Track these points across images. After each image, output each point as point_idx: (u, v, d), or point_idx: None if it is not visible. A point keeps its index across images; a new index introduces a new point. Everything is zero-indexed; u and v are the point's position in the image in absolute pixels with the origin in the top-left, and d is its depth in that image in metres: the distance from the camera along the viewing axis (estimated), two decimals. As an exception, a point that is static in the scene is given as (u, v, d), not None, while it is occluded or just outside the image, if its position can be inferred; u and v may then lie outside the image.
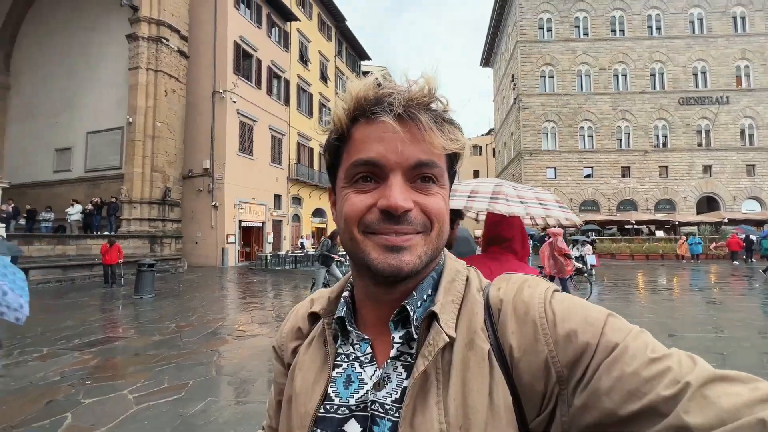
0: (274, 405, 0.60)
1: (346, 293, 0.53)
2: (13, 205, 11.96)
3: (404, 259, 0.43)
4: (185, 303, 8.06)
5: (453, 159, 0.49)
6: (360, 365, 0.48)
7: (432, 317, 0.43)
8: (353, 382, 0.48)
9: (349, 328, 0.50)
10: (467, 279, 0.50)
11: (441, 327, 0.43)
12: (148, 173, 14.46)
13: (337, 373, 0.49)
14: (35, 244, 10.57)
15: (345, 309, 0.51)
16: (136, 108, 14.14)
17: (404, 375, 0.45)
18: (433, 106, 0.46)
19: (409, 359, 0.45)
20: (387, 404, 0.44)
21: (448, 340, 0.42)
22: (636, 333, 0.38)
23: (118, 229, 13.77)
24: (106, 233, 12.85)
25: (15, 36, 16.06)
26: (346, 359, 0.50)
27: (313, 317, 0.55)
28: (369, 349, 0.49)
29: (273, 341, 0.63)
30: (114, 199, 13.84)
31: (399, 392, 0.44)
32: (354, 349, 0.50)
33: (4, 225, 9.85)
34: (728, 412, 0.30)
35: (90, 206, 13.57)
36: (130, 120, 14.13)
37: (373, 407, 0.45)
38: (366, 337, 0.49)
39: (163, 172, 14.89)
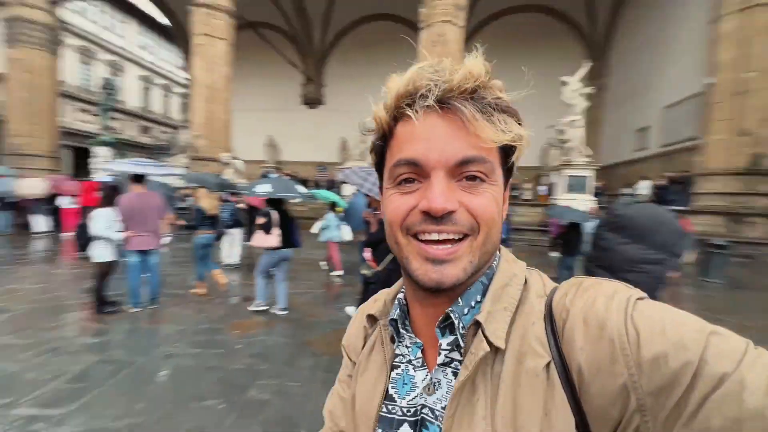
0: (341, 405, 0.58)
1: (401, 295, 0.52)
2: (603, 183, 14.97)
3: (446, 273, 0.40)
4: (756, 297, 6.32)
5: (508, 152, 0.44)
6: (413, 368, 0.48)
7: (477, 326, 0.41)
8: (406, 384, 0.48)
9: (401, 330, 0.50)
10: (526, 283, 0.45)
11: (485, 335, 0.40)
12: (731, 138, 12.25)
13: (397, 374, 0.49)
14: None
15: (398, 311, 0.50)
16: (718, 65, 12.27)
17: (454, 381, 0.43)
18: (483, 94, 0.40)
19: (459, 366, 0.43)
20: (437, 410, 0.43)
21: (488, 350, 0.39)
22: (753, 359, 0.31)
23: (691, 204, 13.03)
24: (678, 208, 12.64)
25: (610, 41, 19.30)
26: (402, 360, 0.50)
27: (372, 319, 0.55)
28: (419, 354, 0.48)
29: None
30: (686, 173, 13.20)
31: (448, 398, 0.42)
32: (408, 351, 0.49)
33: (596, 198, 12.63)
34: None
35: (662, 181, 13.89)
36: (710, 81, 12.55)
37: (423, 411, 0.44)
38: (418, 341, 0.49)
39: (751, 134, 11.96)
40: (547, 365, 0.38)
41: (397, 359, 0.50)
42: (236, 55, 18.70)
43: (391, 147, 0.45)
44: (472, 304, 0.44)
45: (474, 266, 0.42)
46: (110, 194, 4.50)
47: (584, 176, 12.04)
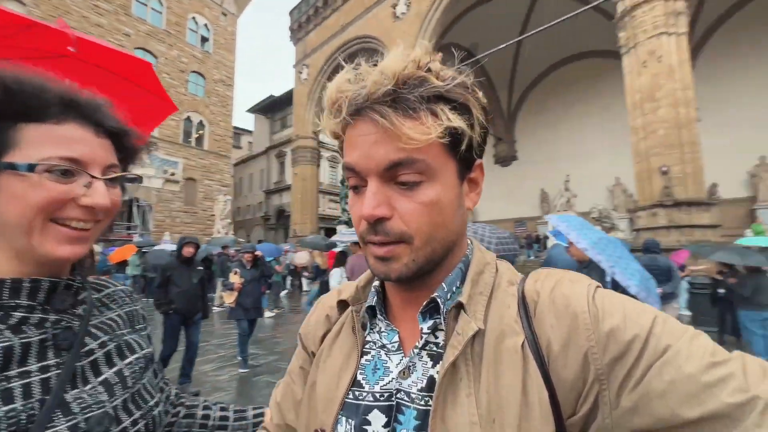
0: (290, 397, 0.58)
1: (376, 282, 0.53)
2: None
3: (391, 267, 0.43)
4: None
5: (455, 142, 0.42)
6: (386, 353, 0.49)
7: (459, 308, 0.43)
8: (378, 369, 0.48)
9: (379, 317, 0.51)
10: (497, 271, 0.49)
11: (469, 317, 0.42)
12: None
13: (366, 360, 0.49)
14: None
15: (375, 298, 0.51)
16: None
17: (429, 364, 0.45)
18: (403, 92, 0.39)
19: (435, 348, 0.45)
20: (413, 393, 0.44)
21: (477, 329, 0.41)
22: (692, 335, 0.36)
23: None
24: None
25: None
26: (373, 346, 0.50)
27: (342, 305, 0.55)
28: (396, 338, 0.49)
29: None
30: None
31: (425, 380, 0.44)
32: (380, 338, 0.50)
33: None
34: None
35: None
36: None
37: (398, 395, 0.45)
38: (392, 325, 0.50)
39: None
40: (523, 344, 0.40)
41: (366, 346, 0.51)
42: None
43: (344, 150, 0.46)
44: (453, 289, 0.47)
45: (418, 265, 0.43)
46: (341, 257, 5.80)
47: None
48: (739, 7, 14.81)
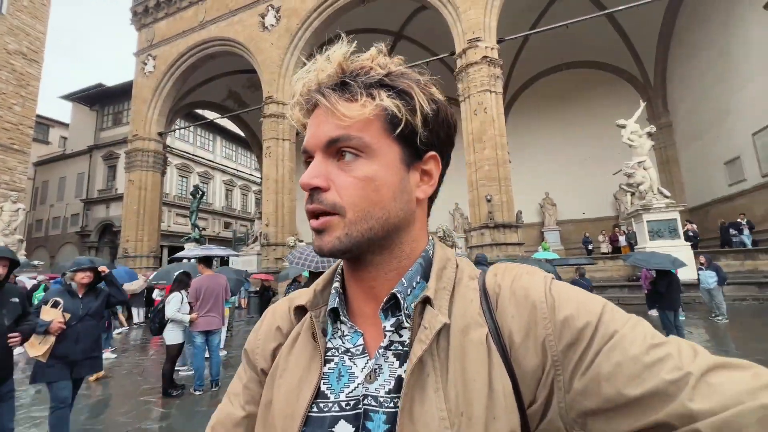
0: (229, 420, 0.52)
1: (336, 284, 0.51)
2: (693, 225, 13.01)
3: (324, 240, 0.43)
4: None
5: (391, 123, 0.44)
6: (350, 358, 0.46)
7: (425, 303, 0.43)
8: (343, 376, 0.46)
9: (342, 319, 0.48)
10: (457, 267, 0.49)
11: (436, 311, 0.42)
12: None
13: (329, 368, 0.47)
14: (722, 259, 10.63)
15: (337, 299, 0.49)
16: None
17: (396, 364, 0.44)
18: (348, 79, 0.44)
19: (400, 347, 0.44)
20: (381, 396, 0.42)
21: (444, 322, 0.41)
22: (635, 321, 0.39)
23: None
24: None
25: (664, 79, 18.47)
26: (336, 353, 0.48)
27: (299, 312, 0.52)
28: (361, 341, 0.47)
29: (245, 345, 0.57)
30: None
31: (392, 382, 0.42)
32: (343, 342, 0.48)
33: (689, 244, 10.88)
34: (731, 398, 0.31)
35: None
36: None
37: (365, 401, 0.43)
38: (356, 326, 0.48)
39: None
40: (486, 335, 0.41)
41: (329, 353, 0.48)
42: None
43: None
44: (414, 284, 0.46)
45: (351, 239, 0.43)
46: (183, 279, 4.96)
47: (670, 219, 10.60)
48: (534, 80, 20.01)
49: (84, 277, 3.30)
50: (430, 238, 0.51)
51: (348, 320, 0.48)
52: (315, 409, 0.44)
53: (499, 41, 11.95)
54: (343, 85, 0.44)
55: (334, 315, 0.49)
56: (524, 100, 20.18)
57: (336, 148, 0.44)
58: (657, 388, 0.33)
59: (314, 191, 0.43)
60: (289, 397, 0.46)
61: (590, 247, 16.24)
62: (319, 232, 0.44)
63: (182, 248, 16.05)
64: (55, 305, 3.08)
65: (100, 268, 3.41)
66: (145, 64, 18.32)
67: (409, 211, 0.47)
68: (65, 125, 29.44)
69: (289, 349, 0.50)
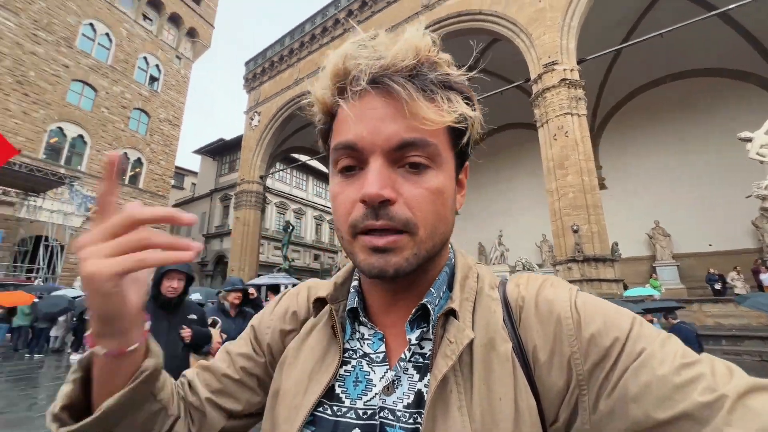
0: (212, 370, 0.51)
1: (355, 282, 0.48)
2: None
3: (390, 261, 0.38)
4: None
5: (459, 134, 0.41)
6: (368, 364, 0.43)
7: (449, 315, 0.40)
8: (360, 382, 0.43)
9: (363, 319, 0.46)
10: (478, 275, 0.46)
11: (462, 324, 0.40)
12: None
13: (346, 371, 0.44)
14: None
15: (356, 299, 0.46)
16: None
17: (416, 377, 0.41)
18: (424, 70, 0.38)
19: (421, 360, 0.41)
20: (398, 410, 0.39)
21: (472, 337, 0.39)
22: (664, 338, 0.36)
23: None
24: None
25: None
26: (354, 355, 0.45)
27: (319, 303, 0.48)
28: (383, 347, 0.44)
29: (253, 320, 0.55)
30: None
31: (411, 396, 0.40)
32: (362, 345, 0.45)
33: None
34: None
35: None
36: None
37: (382, 414, 0.40)
38: (380, 332, 0.44)
39: None
40: (511, 351, 0.39)
41: (347, 354, 0.45)
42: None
43: (334, 130, 0.42)
44: (441, 294, 0.43)
45: (419, 259, 0.39)
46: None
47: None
48: (631, 97, 17.99)
49: (236, 298, 3.35)
50: (450, 245, 0.48)
51: (369, 323, 0.45)
52: (329, 412, 0.41)
53: (579, 62, 11.22)
54: (417, 75, 0.38)
55: (353, 315, 0.46)
56: (621, 118, 18.13)
57: (404, 155, 0.38)
58: (689, 411, 0.31)
59: (382, 204, 0.37)
60: (297, 387, 0.43)
61: (717, 285, 13.14)
62: (383, 251, 0.38)
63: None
64: (214, 324, 3.01)
65: (250, 291, 3.45)
66: (252, 119, 21.68)
67: (453, 225, 0.43)
68: (195, 173, 36.01)
69: (302, 340, 0.48)
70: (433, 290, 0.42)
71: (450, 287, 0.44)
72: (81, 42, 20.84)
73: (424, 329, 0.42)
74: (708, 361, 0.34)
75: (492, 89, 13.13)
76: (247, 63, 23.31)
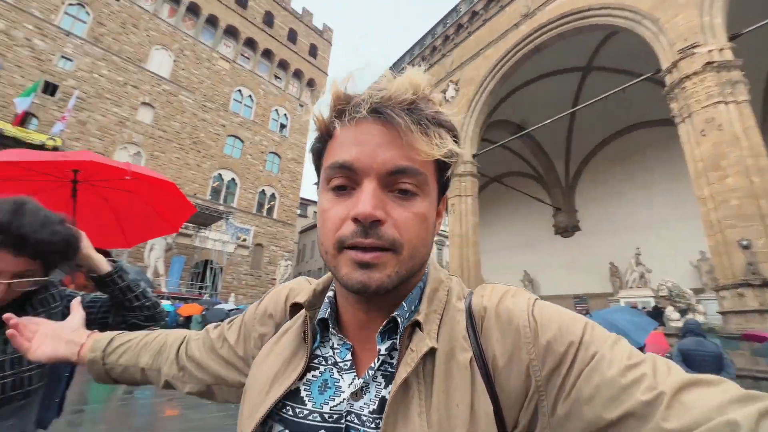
0: (195, 345, 0.64)
1: (330, 293, 0.50)
2: None
3: (373, 276, 0.40)
4: None
5: (443, 167, 0.45)
6: (338, 371, 0.46)
7: (414, 326, 0.42)
8: (329, 388, 0.45)
9: (332, 330, 0.47)
10: (449, 289, 0.48)
11: (424, 334, 0.42)
12: None
13: (313, 375, 0.46)
14: None
15: (329, 310, 0.48)
16: None
17: (383, 384, 0.43)
18: (421, 106, 0.41)
19: (389, 368, 0.44)
20: (364, 415, 0.42)
21: (431, 345, 0.41)
22: (614, 341, 0.38)
23: None
24: None
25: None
26: (323, 362, 0.47)
27: (295, 308, 0.51)
28: (349, 356, 0.46)
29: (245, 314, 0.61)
30: None
31: (377, 402, 0.42)
32: (333, 353, 0.47)
33: None
34: (702, 415, 0.31)
35: None
36: None
37: (348, 418, 0.42)
38: (347, 342, 0.47)
39: None
40: (471, 359, 0.41)
41: (315, 360, 0.47)
42: (487, 205, 21.15)
43: (328, 149, 0.45)
44: (413, 308, 0.46)
45: (400, 277, 0.42)
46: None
47: None
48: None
49: None
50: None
51: (337, 334, 0.47)
52: (290, 413, 0.44)
53: (732, 38, 9.12)
54: (414, 109, 0.41)
55: (323, 324, 0.48)
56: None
57: (397, 180, 0.41)
58: (633, 410, 0.33)
59: (373, 224, 0.40)
60: (262, 387, 0.46)
61: None
62: (367, 266, 0.40)
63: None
64: None
65: None
66: (361, 150, 23.64)
67: (432, 247, 0.46)
68: (315, 203, 40.65)
69: (275, 342, 0.51)
70: (404, 304, 0.45)
71: (421, 300, 0.46)
72: (233, 105, 26.31)
73: (394, 340, 0.44)
74: (651, 361, 0.36)
75: (613, 86, 11.62)
76: (355, 101, 25.83)
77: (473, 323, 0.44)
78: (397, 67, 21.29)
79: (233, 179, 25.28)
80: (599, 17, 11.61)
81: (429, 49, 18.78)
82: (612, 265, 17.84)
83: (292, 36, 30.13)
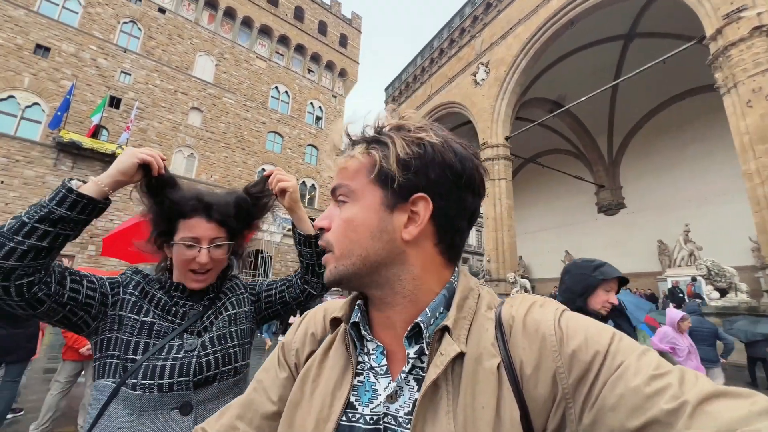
0: (265, 412, 0.54)
1: (360, 300, 0.54)
2: None
3: (324, 272, 0.51)
4: None
5: (373, 171, 0.49)
6: (374, 375, 0.49)
7: (443, 331, 0.45)
8: (368, 391, 0.48)
9: (363, 333, 0.51)
10: (479, 296, 0.51)
11: (453, 339, 0.44)
12: None
13: (359, 381, 0.49)
14: None
15: (359, 315, 0.51)
16: None
17: (416, 388, 0.46)
18: (350, 142, 0.52)
19: (421, 372, 0.46)
20: (400, 417, 0.44)
21: (459, 350, 0.43)
22: (641, 351, 0.38)
23: None
24: None
25: None
26: (364, 367, 0.50)
27: (334, 323, 0.54)
28: (384, 361, 0.49)
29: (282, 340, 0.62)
30: None
31: (411, 405, 0.45)
32: (369, 360, 0.50)
33: None
34: (726, 425, 0.31)
35: None
36: None
37: (386, 420, 0.45)
38: (380, 345, 0.50)
39: None
40: (498, 365, 0.43)
41: (359, 366, 0.50)
42: (525, 186, 20.68)
43: None
44: (437, 314, 0.48)
45: (339, 271, 0.48)
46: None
47: None
48: None
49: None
50: (456, 269, 0.53)
51: (370, 335, 0.51)
52: (344, 418, 0.47)
53: (786, -4, 8.37)
54: (345, 148, 0.52)
55: (356, 330, 0.51)
56: None
57: (336, 195, 0.51)
58: (656, 418, 0.33)
59: (320, 231, 0.50)
60: (323, 402, 0.48)
61: None
62: (321, 266, 0.53)
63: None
64: None
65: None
66: (395, 138, 24.00)
67: (394, 251, 0.47)
68: (354, 191, 41.55)
69: (322, 356, 0.53)
70: (428, 311, 0.47)
71: (449, 307, 0.47)
72: (271, 102, 27.66)
73: (422, 344, 0.46)
74: (678, 372, 0.36)
75: (658, 54, 11.01)
76: (386, 89, 26.07)
77: (502, 332, 0.45)
78: (425, 52, 21.16)
79: (276, 173, 26.72)
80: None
81: (458, 31, 18.51)
82: (661, 243, 17.07)
83: (322, 28, 30.71)
